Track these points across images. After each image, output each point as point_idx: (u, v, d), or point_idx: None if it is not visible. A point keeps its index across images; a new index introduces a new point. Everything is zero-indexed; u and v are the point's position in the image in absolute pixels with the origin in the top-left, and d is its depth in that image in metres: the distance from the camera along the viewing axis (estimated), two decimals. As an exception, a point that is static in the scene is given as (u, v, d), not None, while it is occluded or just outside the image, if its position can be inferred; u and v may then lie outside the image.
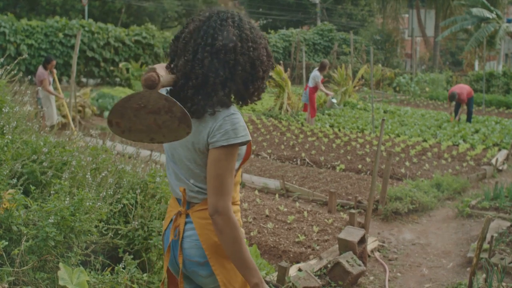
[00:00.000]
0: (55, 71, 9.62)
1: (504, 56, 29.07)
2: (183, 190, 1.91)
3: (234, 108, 1.85)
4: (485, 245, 4.53)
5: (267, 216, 5.52)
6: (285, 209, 5.74)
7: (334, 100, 13.15)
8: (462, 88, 12.15)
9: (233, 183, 1.83)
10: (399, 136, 10.80)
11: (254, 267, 1.83)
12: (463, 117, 12.40)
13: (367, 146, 9.54)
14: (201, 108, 1.80)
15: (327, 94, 12.62)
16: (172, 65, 1.87)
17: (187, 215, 1.93)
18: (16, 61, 3.85)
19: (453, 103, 12.36)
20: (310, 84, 11.50)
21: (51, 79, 9.43)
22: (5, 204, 2.45)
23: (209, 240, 1.88)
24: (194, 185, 1.90)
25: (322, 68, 11.51)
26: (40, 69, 9.38)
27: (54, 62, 9.47)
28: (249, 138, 1.83)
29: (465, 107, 12.10)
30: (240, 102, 1.90)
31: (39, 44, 18.19)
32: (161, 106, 1.66)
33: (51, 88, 9.30)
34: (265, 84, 1.92)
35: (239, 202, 2.02)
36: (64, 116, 9.94)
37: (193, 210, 1.92)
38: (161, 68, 1.90)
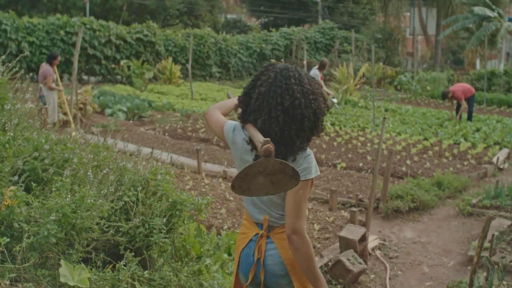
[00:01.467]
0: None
1: (506, 55, 29.01)
2: (266, 216, 2.29)
3: (309, 149, 2.23)
4: (486, 244, 4.53)
5: (268, 214, 5.52)
6: (286, 207, 5.74)
7: (335, 100, 13.12)
8: (458, 86, 12.12)
9: (306, 209, 2.17)
10: (400, 135, 10.79)
11: (323, 279, 2.21)
12: (464, 115, 12.38)
13: (368, 144, 9.53)
14: (285, 157, 2.16)
15: (328, 94, 12.61)
16: (245, 116, 2.24)
17: (268, 237, 2.30)
18: (17, 59, 3.84)
19: (455, 101, 12.33)
20: (310, 82, 11.47)
21: (55, 76, 9.38)
22: (6, 201, 2.45)
23: (288, 256, 2.26)
24: (275, 213, 2.28)
25: (321, 67, 11.49)
26: (46, 65, 9.26)
27: (59, 58, 9.44)
28: (319, 173, 2.26)
29: (465, 105, 12.07)
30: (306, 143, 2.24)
31: (41, 42, 18.18)
32: (276, 168, 1.99)
33: (54, 85, 9.26)
34: (323, 125, 2.27)
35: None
36: (66, 114, 9.93)
37: (274, 232, 2.30)
38: (225, 106, 2.47)
